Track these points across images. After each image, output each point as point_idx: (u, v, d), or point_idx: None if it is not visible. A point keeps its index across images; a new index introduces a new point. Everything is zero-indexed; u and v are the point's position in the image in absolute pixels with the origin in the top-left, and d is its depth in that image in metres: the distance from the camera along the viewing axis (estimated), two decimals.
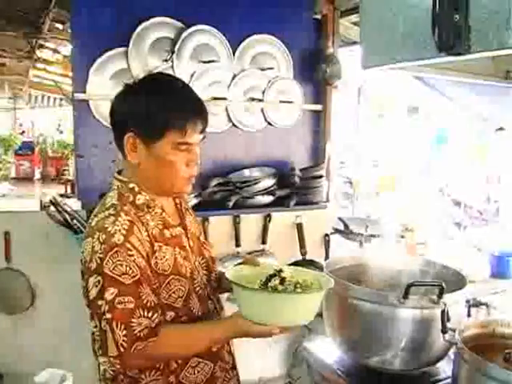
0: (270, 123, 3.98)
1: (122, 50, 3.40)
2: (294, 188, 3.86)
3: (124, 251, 1.56)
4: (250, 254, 3.57)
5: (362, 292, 2.02)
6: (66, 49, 7.43)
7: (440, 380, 2.07)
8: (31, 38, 7.42)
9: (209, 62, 3.68)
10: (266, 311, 1.52)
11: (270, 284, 1.59)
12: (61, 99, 15.20)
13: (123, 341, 1.52)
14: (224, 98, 3.77)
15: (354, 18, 4.16)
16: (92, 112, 3.29)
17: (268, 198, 3.75)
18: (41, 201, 3.79)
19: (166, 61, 3.54)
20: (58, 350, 3.35)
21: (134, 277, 1.56)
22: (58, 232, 3.29)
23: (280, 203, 3.83)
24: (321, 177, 3.92)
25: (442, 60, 1.44)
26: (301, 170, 3.89)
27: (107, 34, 3.36)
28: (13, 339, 3.40)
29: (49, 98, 17.06)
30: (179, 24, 3.56)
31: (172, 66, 3.55)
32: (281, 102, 3.98)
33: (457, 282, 2.10)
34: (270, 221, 3.78)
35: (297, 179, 3.85)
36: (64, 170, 11.43)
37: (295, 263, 3.75)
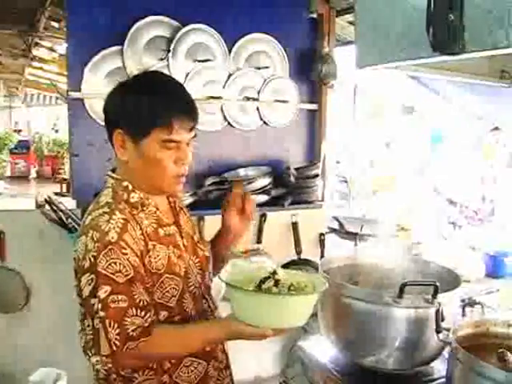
0: (265, 122, 3.97)
1: (117, 48, 3.40)
2: (290, 187, 3.86)
3: (118, 249, 1.56)
4: (244, 253, 3.56)
5: (356, 291, 2.02)
6: (62, 47, 7.42)
7: (434, 379, 2.07)
8: (27, 36, 7.41)
9: (204, 61, 3.68)
10: (260, 313, 1.52)
11: (263, 286, 1.57)
12: (57, 98, 15.18)
13: (116, 339, 1.52)
14: (219, 97, 3.77)
15: (349, 17, 4.17)
16: (87, 110, 3.28)
17: (263, 198, 3.75)
18: (36, 200, 3.78)
19: (161, 60, 3.54)
20: (52, 349, 3.34)
21: (128, 275, 1.56)
22: (53, 231, 3.28)
23: (275, 202, 3.83)
24: (316, 176, 3.92)
25: (437, 59, 1.44)
26: (296, 170, 3.89)
27: (102, 33, 3.36)
28: (7, 338, 3.39)
29: (45, 96, 17.05)
30: (175, 23, 3.55)
31: (167, 65, 3.55)
32: (276, 101, 3.97)
33: (451, 281, 2.11)
34: (265, 220, 3.78)
35: (292, 178, 3.85)
36: (59, 168, 11.42)
37: (290, 262, 3.76)
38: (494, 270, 3.88)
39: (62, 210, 3.25)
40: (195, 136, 1.76)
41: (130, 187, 1.73)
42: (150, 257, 1.66)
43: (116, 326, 1.52)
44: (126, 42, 3.39)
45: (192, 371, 1.77)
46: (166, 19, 3.53)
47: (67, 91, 3.38)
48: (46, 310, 3.40)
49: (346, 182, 8.13)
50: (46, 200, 3.31)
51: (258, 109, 3.93)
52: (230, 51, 3.77)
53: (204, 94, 3.69)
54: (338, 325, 2.14)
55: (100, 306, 1.53)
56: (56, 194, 7.29)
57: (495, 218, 7.73)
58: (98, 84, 3.31)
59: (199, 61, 3.66)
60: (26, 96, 17.72)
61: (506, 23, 1.28)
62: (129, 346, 1.52)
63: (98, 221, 1.61)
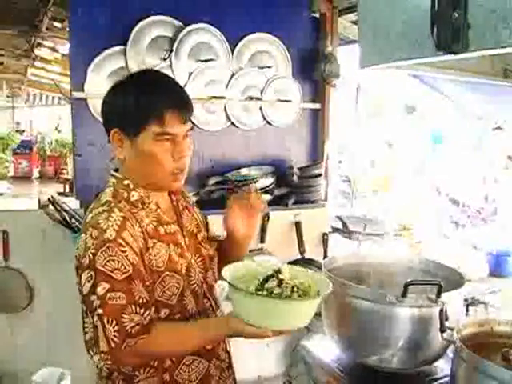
0: (268, 122, 3.98)
1: (120, 48, 3.41)
2: (293, 187, 3.86)
3: (116, 247, 1.56)
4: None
5: (360, 291, 2.02)
6: (65, 47, 7.42)
7: (438, 379, 2.07)
8: (29, 36, 7.41)
9: (207, 60, 3.68)
10: (260, 315, 1.50)
11: (266, 285, 1.56)
12: (59, 98, 15.18)
13: (114, 336, 1.52)
14: (222, 97, 3.77)
15: (352, 16, 4.17)
16: (90, 110, 3.30)
17: (266, 197, 3.75)
18: (39, 200, 3.79)
19: (164, 59, 3.55)
20: (55, 348, 3.35)
21: (126, 273, 1.56)
22: (57, 231, 3.29)
23: (278, 202, 3.83)
24: (319, 175, 3.92)
25: (440, 58, 1.44)
26: (299, 169, 3.89)
27: (105, 33, 3.37)
28: (11, 338, 3.40)
29: (47, 96, 17.04)
30: (177, 23, 3.56)
31: (170, 65, 3.56)
32: (279, 100, 3.98)
33: (455, 280, 2.10)
34: (268, 220, 3.78)
35: (295, 178, 3.85)
36: (62, 168, 11.42)
37: (294, 262, 3.75)
38: (497, 269, 3.89)
39: (65, 210, 3.25)
40: (192, 129, 1.75)
41: (131, 186, 1.73)
42: (150, 254, 1.66)
43: (114, 323, 1.52)
44: (129, 41, 3.40)
45: (193, 370, 1.77)
46: (169, 19, 3.53)
47: (70, 91, 3.38)
48: (49, 309, 3.40)
49: (348, 181, 8.14)
50: (49, 200, 3.31)
51: (260, 108, 3.93)
52: (232, 51, 3.78)
53: (207, 94, 3.70)
54: (342, 324, 2.14)
55: (98, 302, 1.53)
56: (59, 193, 7.29)
57: (498, 218, 7.73)
58: (100, 84, 3.31)
59: (202, 60, 3.67)
60: (29, 96, 17.72)
61: (509, 22, 1.28)
62: (128, 343, 1.52)
63: (97, 219, 1.62)
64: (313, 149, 4.19)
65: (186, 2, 3.60)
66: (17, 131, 16.36)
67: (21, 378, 3.29)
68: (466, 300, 2.53)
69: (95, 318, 1.54)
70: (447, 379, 1.94)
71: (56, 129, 15.34)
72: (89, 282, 1.55)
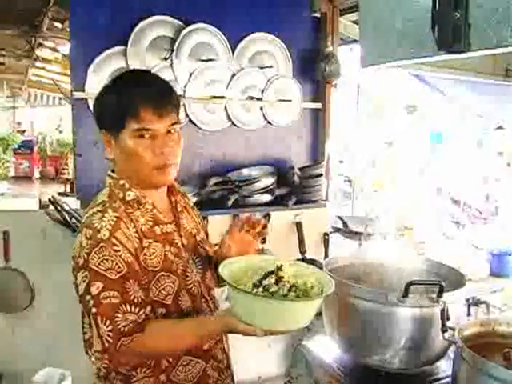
0: (269, 122, 3.97)
1: (120, 48, 3.40)
2: (293, 187, 3.86)
3: (109, 247, 1.57)
4: None
5: (361, 291, 2.02)
6: (65, 48, 7.42)
7: (439, 379, 2.06)
8: (30, 36, 7.41)
9: (208, 60, 3.68)
10: (252, 313, 1.48)
11: (264, 282, 1.53)
12: (60, 98, 15.18)
13: (108, 336, 1.53)
14: (223, 97, 3.77)
15: (353, 16, 4.16)
16: (91, 111, 3.29)
17: (267, 197, 3.75)
18: (40, 200, 3.79)
19: (164, 59, 3.54)
20: (56, 349, 3.35)
21: (120, 272, 1.56)
22: (57, 231, 3.29)
23: (279, 202, 3.83)
24: (320, 175, 3.92)
25: (442, 58, 1.44)
26: (300, 169, 3.89)
27: (106, 33, 3.36)
28: (11, 338, 3.40)
29: (48, 96, 17.02)
30: (178, 22, 3.55)
31: (171, 65, 3.55)
32: (280, 100, 3.97)
33: (456, 280, 2.10)
34: (269, 220, 3.77)
35: (296, 178, 3.84)
36: (63, 168, 11.44)
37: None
38: (499, 269, 3.88)
39: (66, 210, 3.25)
40: (176, 123, 1.73)
41: (127, 186, 1.73)
42: (145, 254, 1.66)
43: (108, 322, 1.53)
44: (130, 41, 3.40)
45: (190, 370, 1.77)
46: (170, 19, 3.53)
47: (71, 91, 3.38)
48: (50, 309, 3.40)
49: (349, 181, 8.13)
50: (50, 200, 3.31)
51: (261, 108, 3.93)
52: (233, 51, 3.77)
53: (207, 94, 3.70)
54: (343, 324, 2.14)
55: (92, 302, 1.54)
56: (60, 194, 7.30)
57: (499, 217, 7.72)
58: (101, 84, 3.28)
59: (202, 60, 3.66)
60: (30, 96, 17.71)
61: (510, 21, 1.28)
62: (123, 342, 1.53)
63: (91, 219, 1.63)
64: (313, 149, 4.19)
65: (186, 2, 3.60)
66: (18, 131, 16.38)
67: (22, 378, 3.30)
68: (467, 300, 2.52)
69: (91, 318, 1.56)
70: (449, 379, 1.93)
71: (57, 129, 15.35)
72: (84, 281, 1.56)
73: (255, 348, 3.68)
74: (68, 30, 3.69)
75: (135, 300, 1.58)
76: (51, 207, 3.33)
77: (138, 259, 1.64)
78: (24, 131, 16.98)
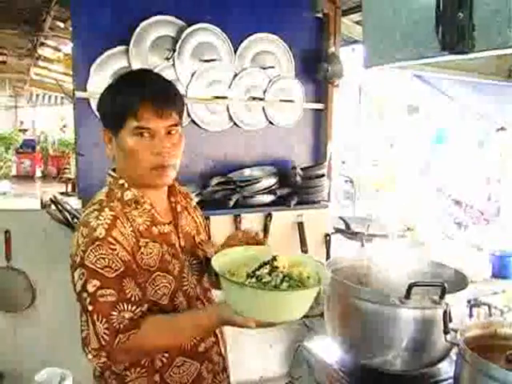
0: (271, 122, 3.97)
1: (122, 48, 3.41)
2: (295, 187, 3.86)
3: (106, 245, 1.56)
4: None
5: (363, 292, 2.01)
6: (67, 47, 7.44)
7: (442, 380, 2.05)
8: (32, 36, 7.42)
9: (210, 60, 3.68)
10: (245, 304, 1.47)
11: (257, 272, 1.51)
12: (62, 97, 15.21)
13: (104, 333, 1.53)
14: (225, 97, 3.77)
15: (355, 16, 4.16)
16: (93, 110, 3.29)
17: (269, 197, 3.75)
18: (41, 199, 3.79)
19: (167, 59, 3.55)
20: (57, 348, 3.34)
21: (117, 270, 1.56)
22: (59, 231, 3.29)
23: (281, 202, 3.82)
24: (322, 176, 3.91)
25: (445, 59, 1.43)
26: (302, 169, 3.88)
27: (108, 33, 3.37)
28: (13, 338, 3.41)
29: (50, 96, 17.07)
30: (180, 22, 3.56)
31: (173, 65, 3.55)
32: (282, 100, 3.97)
33: (458, 282, 2.09)
34: (270, 220, 3.77)
35: (298, 178, 3.84)
36: (65, 168, 11.45)
37: None
38: (500, 270, 3.86)
39: (67, 210, 3.25)
40: (177, 125, 1.71)
41: (126, 185, 1.72)
42: (141, 253, 1.65)
43: (104, 320, 1.53)
44: (132, 41, 3.40)
45: (184, 372, 1.76)
46: (172, 19, 3.53)
47: (73, 91, 3.38)
48: (51, 309, 3.40)
49: (350, 181, 8.11)
50: (51, 200, 3.31)
51: (263, 109, 3.93)
52: (235, 51, 3.77)
53: (209, 94, 3.70)
54: (345, 325, 2.13)
55: (89, 299, 1.54)
56: (61, 193, 7.30)
57: (501, 218, 7.71)
58: (103, 84, 3.24)
59: (205, 60, 3.66)
60: (32, 96, 17.75)
61: None
62: (120, 339, 1.53)
63: (88, 218, 1.63)
64: (316, 149, 4.19)
65: (188, 2, 3.60)
66: (19, 131, 16.40)
67: (22, 378, 3.29)
68: (469, 301, 2.51)
69: (87, 315, 1.56)
70: (451, 381, 1.93)
71: (61, 129, 15.37)
72: (80, 279, 1.56)
73: (256, 348, 3.68)
74: (70, 29, 3.68)
75: (132, 298, 1.58)
76: (53, 207, 3.32)
77: (135, 258, 1.63)
78: (26, 130, 17.01)
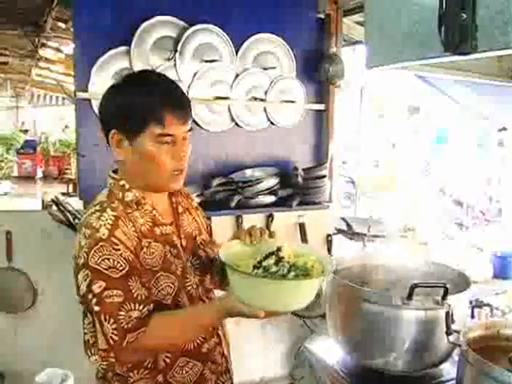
0: (272, 123, 3.97)
1: (124, 48, 3.40)
2: (297, 188, 3.85)
3: (109, 246, 1.56)
4: None
5: (365, 293, 2.01)
6: (69, 48, 7.43)
7: (444, 381, 2.05)
8: (33, 36, 7.42)
9: (211, 61, 3.68)
10: (253, 294, 1.48)
11: (264, 263, 1.53)
12: (63, 98, 15.21)
13: (113, 334, 1.53)
14: (226, 98, 3.77)
15: (357, 17, 4.15)
16: (94, 111, 3.29)
17: (270, 198, 3.74)
18: (43, 200, 3.79)
19: (168, 60, 3.54)
20: (59, 349, 3.34)
21: (122, 270, 1.56)
22: (60, 231, 3.29)
23: (282, 203, 3.82)
24: (323, 177, 3.91)
25: (447, 59, 1.43)
26: (303, 170, 3.88)
27: (109, 33, 3.36)
28: (14, 339, 3.41)
29: (51, 96, 17.07)
30: (182, 23, 3.55)
31: (174, 65, 3.55)
32: (283, 101, 3.97)
33: (461, 283, 2.09)
34: (272, 221, 3.77)
35: (299, 179, 3.84)
36: (66, 169, 11.44)
37: None
38: (502, 270, 3.86)
39: (69, 211, 3.25)
40: (191, 130, 1.74)
41: (127, 186, 1.72)
42: (144, 254, 1.66)
43: (112, 320, 1.53)
44: (133, 42, 3.40)
45: (187, 372, 1.76)
46: (173, 19, 3.53)
47: (74, 92, 3.38)
48: (52, 310, 3.40)
49: (352, 182, 8.11)
50: (53, 200, 3.31)
51: (265, 109, 3.92)
52: (237, 51, 3.77)
53: (211, 95, 3.70)
54: (347, 326, 2.12)
55: (95, 300, 1.54)
56: (63, 194, 7.30)
57: (502, 219, 7.71)
58: (105, 84, 3.24)
59: (206, 61, 3.66)
60: (33, 96, 17.76)
61: None
62: (128, 339, 1.53)
63: (89, 219, 1.63)
64: (317, 150, 4.18)
65: (190, 3, 3.59)
66: (20, 131, 16.39)
67: (23, 379, 3.28)
68: (470, 302, 2.51)
69: (94, 316, 1.56)
70: (453, 382, 1.92)
71: (63, 130, 15.36)
72: (85, 280, 1.56)
73: (257, 349, 3.68)
74: (71, 30, 3.68)
75: (138, 297, 1.58)
76: (54, 207, 3.32)
77: (138, 258, 1.63)
78: (27, 131, 17.01)
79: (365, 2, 1.80)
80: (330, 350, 2.31)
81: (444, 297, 1.85)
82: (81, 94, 3.32)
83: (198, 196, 3.52)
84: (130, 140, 1.67)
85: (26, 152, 12.11)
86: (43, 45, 8.02)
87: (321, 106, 4.12)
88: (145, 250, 1.66)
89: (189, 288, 1.79)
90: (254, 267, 1.53)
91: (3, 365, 3.37)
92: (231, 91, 3.78)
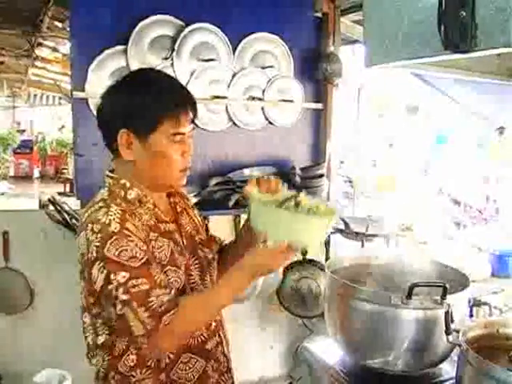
0: (270, 122, 3.95)
1: (121, 48, 3.38)
2: (295, 187, 3.82)
3: (124, 237, 1.56)
4: None
5: (364, 292, 2.00)
6: (66, 47, 7.42)
7: (443, 381, 2.05)
8: (30, 36, 7.40)
9: (209, 60, 3.66)
10: (280, 229, 1.56)
11: (286, 204, 1.64)
12: (60, 98, 15.18)
13: (148, 320, 1.53)
14: (224, 97, 3.75)
15: (354, 16, 4.13)
16: (91, 110, 3.27)
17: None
18: (40, 200, 3.78)
19: (165, 59, 3.52)
20: (57, 349, 3.34)
21: (142, 259, 1.56)
22: (57, 231, 3.28)
23: None
24: (321, 176, 3.89)
25: (447, 57, 1.42)
26: (301, 169, 3.86)
27: (106, 32, 3.34)
28: (12, 339, 3.40)
29: (48, 96, 17.04)
30: (179, 22, 3.53)
31: (172, 65, 3.53)
32: (281, 100, 3.95)
33: (460, 282, 2.08)
34: None
35: (297, 178, 3.82)
36: (63, 168, 11.45)
37: (295, 263, 3.74)
38: (500, 269, 3.87)
39: (65, 211, 3.24)
40: (194, 128, 1.78)
41: (128, 184, 1.71)
42: (153, 247, 1.66)
43: (144, 308, 1.53)
44: (130, 41, 3.37)
45: (190, 368, 1.76)
46: (170, 18, 3.51)
47: (71, 91, 3.37)
48: (50, 310, 3.39)
49: (350, 181, 8.11)
50: (49, 200, 3.29)
51: (262, 108, 3.90)
52: (234, 50, 3.75)
53: (209, 94, 3.68)
54: (346, 326, 2.12)
55: (121, 289, 1.53)
56: (60, 193, 7.29)
57: (500, 218, 7.72)
58: (102, 84, 3.28)
59: (203, 60, 3.64)
60: (30, 96, 17.73)
61: None
62: (164, 321, 1.54)
63: (95, 215, 1.61)
64: (315, 149, 4.17)
65: (187, 1, 3.58)
66: (17, 131, 16.39)
67: (21, 379, 3.29)
68: (469, 301, 2.51)
69: (119, 306, 1.54)
70: (452, 381, 1.92)
71: (60, 130, 15.37)
72: (102, 272, 1.55)
73: (256, 349, 3.67)
74: (68, 29, 3.67)
75: (162, 283, 1.59)
76: (51, 207, 3.31)
77: (149, 249, 1.63)
78: (23, 131, 17.00)
79: (363, 0, 1.79)
80: (328, 349, 2.31)
81: (443, 296, 1.84)
82: (77, 94, 3.30)
83: (195, 195, 3.51)
84: (141, 139, 1.66)
85: (23, 152, 12.12)
86: (40, 44, 8.01)
87: (319, 106, 4.11)
88: (153, 243, 1.66)
89: (193, 285, 1.79)
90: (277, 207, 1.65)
91: (1, 365, 3.36)
92: (229, 90, 3.77)
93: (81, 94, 3.30)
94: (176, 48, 3.52)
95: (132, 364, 1.67)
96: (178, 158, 1.69)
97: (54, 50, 8.31)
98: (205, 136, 3.70)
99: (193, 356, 1.77)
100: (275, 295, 3.71)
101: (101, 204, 1.65)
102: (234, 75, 3.78)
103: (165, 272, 1.66)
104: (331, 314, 2.18)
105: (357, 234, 3.85)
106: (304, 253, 3.78)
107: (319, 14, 3.99)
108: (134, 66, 3.37)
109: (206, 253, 1.92)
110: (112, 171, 1.79)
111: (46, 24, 6.42)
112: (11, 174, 12.10)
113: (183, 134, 1.68)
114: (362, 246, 3.74)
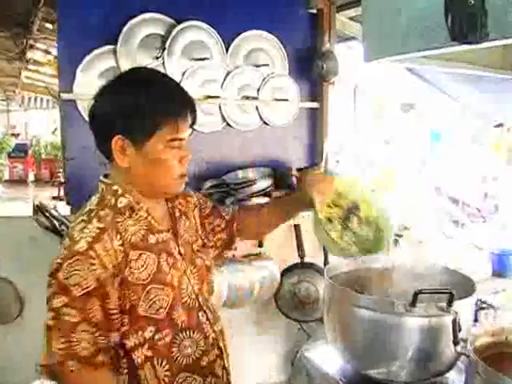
0: (265, 122, 3.89)
1: (110, 47, 3.32)
2: (291, 188, 3.77)
3: (84, 259, 1.48)
4: (245, 257, 3.46)
5: (366, 300, 1.91)
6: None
7: None
8: (21, 38, 7.35)
9: (201, 59, 3.59)
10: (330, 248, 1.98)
11: (349, 225, 1.93)
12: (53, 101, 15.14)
13: (58, 353, 1.48)
14: (217, 97, 3.68)
15: (350, 12, 4.07)
16: (80, 112, 3.20)
17: (264, 200, 3.65)
18: (33, 204, 3.71)
19: (156, 58, 3.45)
20: None
21: (86, 288, 1.48)
22: (47, 238, 3.20)
23: None
24: None
25: (453, 49, 1.34)
26: (297, 170, 3.79)
27: (95, 32, 3.28)
28: (2, 348, 3.34)
29: (42, 99, 17.01)
30: (169, 20, 3.47)
31: (163, 64, 3.46)
32: (276, 99, 3.88)
33: (464, 286, 2.00)
34: None
35: (294, 179, 3.75)
36: (58, 172, 11.40)
37: (293, 266, 3.68)
38: (500, 268, 3.80)
39: (54, 217, 3.16)
40: (192, 133, 1.72)
41: (120, 191, 1.64)
42: (131, 268, 1.57)
43: (63, 340, 1.47)
44: (120, 40, 3.31)
45: None
46: (161, 16, 3.44)
47: (59, 93, 3.30)
48: (41, 319, 3.30)
49: None
50: (37, 206, 3.22)
51: (257, 108, 3.84)
52: (227, 49, 3.69)
53: (201, 94, 3.61)
54: (346, 334, 2.04)
55: (52, 314, 1.48)
56: (54, 197, 7.21)
57: (498, 216, 7.66)
58: (90, 85, 3.21)
59: (196, 59, 3.57)
60: (24, 99, 17.68)
61: None
62: (69, 365, 1.48)
63: (73, 229, 1.57)
64: (311, 149, 4.11)
65: None
66: (12, 134, 16.36)
67: None
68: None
69: (45, 327, 1.51)
70: None
71: (53, 132, 15.33)
72: (50, 287, 1.51)
73: (255, 355, 3.61)
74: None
75: (93, 319, 1.51)
76: (40, 213, 3.24)
77: (122, 275, 1.55)
78: (18, 135, 16.97)
79: None
80: (328, 357, 2.22)
81: (449, 303, 1.76)
82: (65, 95, 3.22)
83: None
84: (136, 145, 1.59)
85: (18, 155, 12.07)
86: (31, 46, 7.95)
87: (314, 104, 4.04)
88: (132, 263, 1.57)
89: (185, 299, 1.71)
90: (342, 227, 1.94)
91: None
92: (222, 90, 3.70)
93: (69, 96, 3.22)
94: (167, 47, 3.45)
95: None
96: (175, 165, 1.63)
97: (46, 52, 8.26)
98: (198, 137, 3.62)
99: (189, 375, 1.69)
100: (273, 300, 3.65)
101: (84, 217, 1.59)
102: (227, 74, 3.71)
103: (147, 292, 1.58)
104: (331, 321, 2.10)
105: None
106: (302, 256, 3.73)
107: (314, 11, 3.93)
108: (124, 66, 3.31)
109: (204, 260, 1.85)
110: (107, 176, 1.72)
111: (36, 26, 6.36)
112: (6, 177, 12.05)
113: (181, 139, 1.63)
114: None
